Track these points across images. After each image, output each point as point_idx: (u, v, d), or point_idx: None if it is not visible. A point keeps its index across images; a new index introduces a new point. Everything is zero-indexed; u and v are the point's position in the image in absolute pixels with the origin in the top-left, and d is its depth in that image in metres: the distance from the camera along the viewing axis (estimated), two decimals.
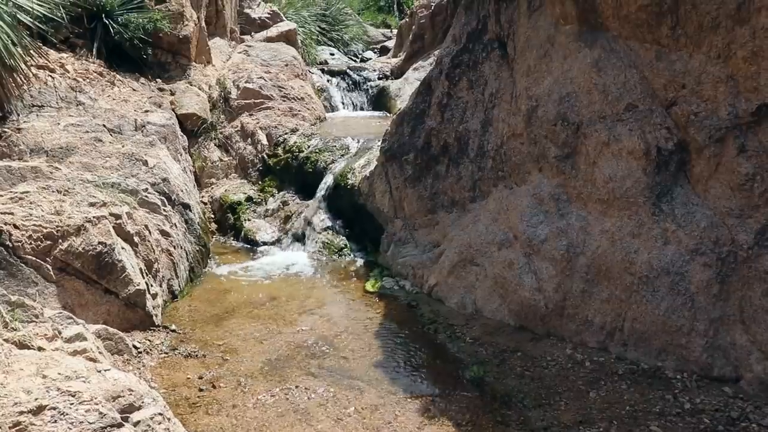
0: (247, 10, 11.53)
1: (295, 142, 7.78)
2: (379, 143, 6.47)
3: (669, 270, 3.90)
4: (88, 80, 6.74)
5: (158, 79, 7.98)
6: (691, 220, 3.88)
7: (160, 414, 2.91)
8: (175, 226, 5.67)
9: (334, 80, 10.75)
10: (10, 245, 4.06)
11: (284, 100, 8.60)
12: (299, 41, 11.32)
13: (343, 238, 6.59)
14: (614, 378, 3.86)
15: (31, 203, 4.42)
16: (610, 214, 4.22)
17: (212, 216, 7.28)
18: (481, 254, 5.00)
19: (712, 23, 3.74)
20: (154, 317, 4.75)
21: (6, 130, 5.46)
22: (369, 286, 5.62)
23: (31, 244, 4.14)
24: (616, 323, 4.13)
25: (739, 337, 3.66)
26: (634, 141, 4.12)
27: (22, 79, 5.68)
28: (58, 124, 5.74)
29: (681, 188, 3.99)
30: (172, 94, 7.82)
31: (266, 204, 7.25)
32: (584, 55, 4.45)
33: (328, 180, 7.01)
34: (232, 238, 6.98)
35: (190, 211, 6.09)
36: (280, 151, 7.79)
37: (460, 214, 5.40)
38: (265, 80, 8.70)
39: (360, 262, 6.28)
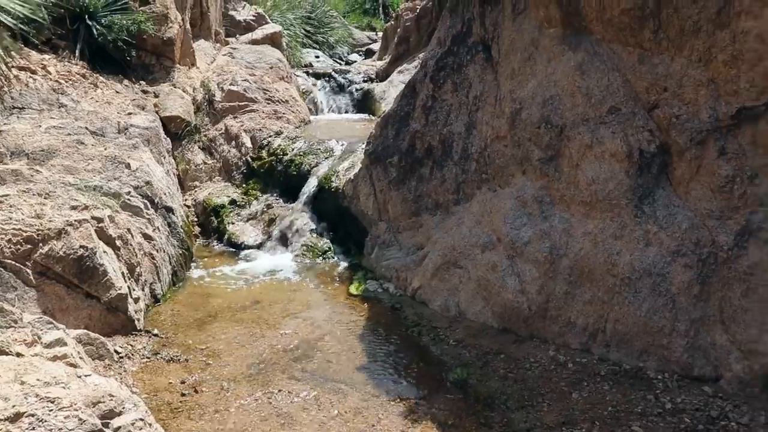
0: (231, 12, 11.49)
1: (280, 145, 7.76)
2: (364, 146, 6.46)
3: (651, 271, 3.93)
4: (70, 82, 6.70)
5: (142, 81, 7.94)
6: (673, 221, 3.91)
7: (141, 419, 2.88)
8: (158, 229, 5.63)
9: (319, 83, 10.74)
10: None
11: (269, 103, 8.58)
12: (284, 44, 11.30)
13: (327, 241, 6.57)
14: (597, 379, 3.88)
15: (11, 207, 4.37)
16: (593, 216, 4.24)
17: (196, 219, 7.24)
18: (464, 257, 5.00)
19: (693, 27, 3.78)
20: (136, 321, 4.71)
21: None
22: (353, 289, 5.61)
23: (10, 248, 4.09)
24: (599, 324, 4.14)
25: (719, 337, 3.69)
26: (617, 143, 4.15)
27: (3, 80, 5.63)
28: (40, 126, 5.69)
29: (663, 190, 4.02)
30: (156, 96, 7.78)
31: (250, 207, 7.22)
32: (568, 58, 4.47)
33: (312, 183, 6.99)
34: (215, 241, 6.94)
35: (173, 214, 6.06)
36: (264, 153, 7.77)
37: (443, 217, 5.40)
38: (249, 83, 8.67)
39: (344, 265, 6.26)
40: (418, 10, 10.79)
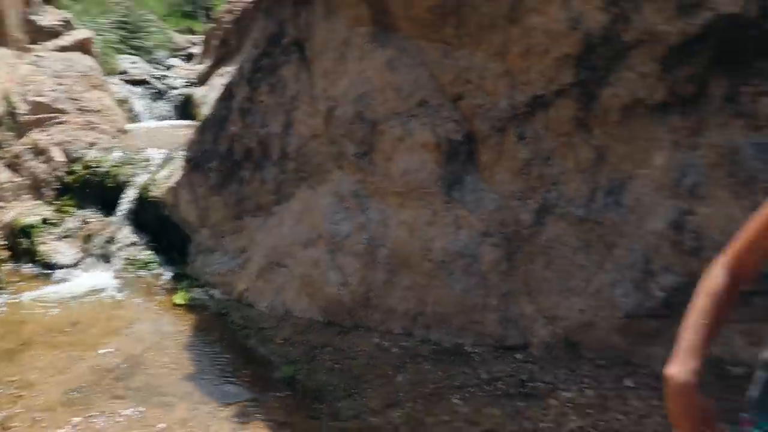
0: (34, 18, 10.64)
1: (94, 157, 7.34)
2: (183, 153, 6.29)
3: (463, 253, 4.15)
4: None
5: None
6: (480, 204, 4.16)
7: None
8: None
9: (137, 90, 10.26)
10: None
11: (81, 113, 8.08)
12: (97, 50, 10.68)
13: (150, 252, 6.30)
14: (419, 360, 4.03)
15: None
16: (407, 206, 4.40)
17: (4, 243, 6.65)
18: (287, 256, 5.01)
19: (490, 23, 4.04)
20: None
21: None
22: (178, 299, 5.43)
23: None
24: (419, 308, 4.32)
25: (526, 308, 3.98)
26: (426, 135, 4.33)
27: None
28: None
29: (470, 176, 4.26)
30: None
31: (64, 224, 6.76)
32: (378, 55, 4.61)
33: (131, 194, 6.69)
34: (28, 264, 6.41)
35: None
36: (78, 167, 7.31)
37: (266, 218, 5.37)
38: (58, 93, 8.11)
39: (168, 275, 6.02)
40: (236, 12, 10.62)
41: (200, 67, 11.39)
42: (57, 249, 6.43)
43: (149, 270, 6.13)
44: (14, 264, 6.44)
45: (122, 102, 9.61)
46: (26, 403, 3.89)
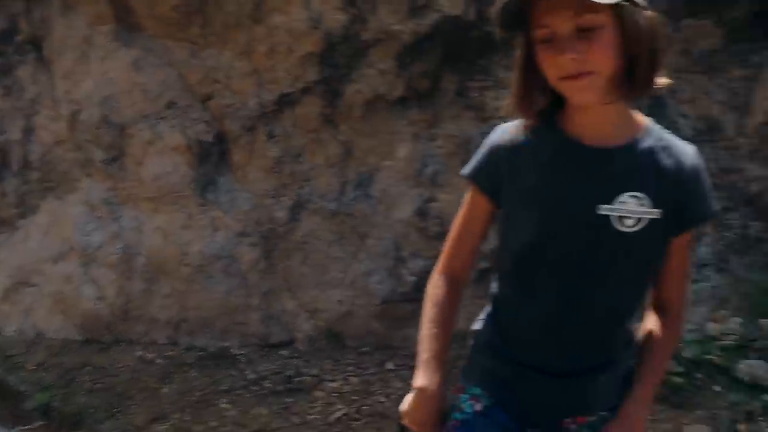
0: None
1: None
2: None
3: (221, 255, 4.18)
4: None
5: None
6: (235, 205, 4.21)
7: None
8: None
9: None
10: None
11: None
12: None
13: None
14: (185, 368, 4.00)
15: None
16: (161, 211, 4.33)
17: None
18: (36, 273, 4.71)
19: (235, 22, 4.08)
20: None
21: None
22: None
23: None
24: (181, 315, 4.28)
25: (287, 304, 4.11)
26: (177, 137, 4.29)
27: None
28: None
29: (224, 177, 4.29)
30: None
31: None
32: (123, 55, 4.46)
33: None
34: None
35: None
36: None
37: (9, 234, 4.97)
38: None
39: None
40: None
41: None
42: None
43: None
44: None
45: None
46: None
